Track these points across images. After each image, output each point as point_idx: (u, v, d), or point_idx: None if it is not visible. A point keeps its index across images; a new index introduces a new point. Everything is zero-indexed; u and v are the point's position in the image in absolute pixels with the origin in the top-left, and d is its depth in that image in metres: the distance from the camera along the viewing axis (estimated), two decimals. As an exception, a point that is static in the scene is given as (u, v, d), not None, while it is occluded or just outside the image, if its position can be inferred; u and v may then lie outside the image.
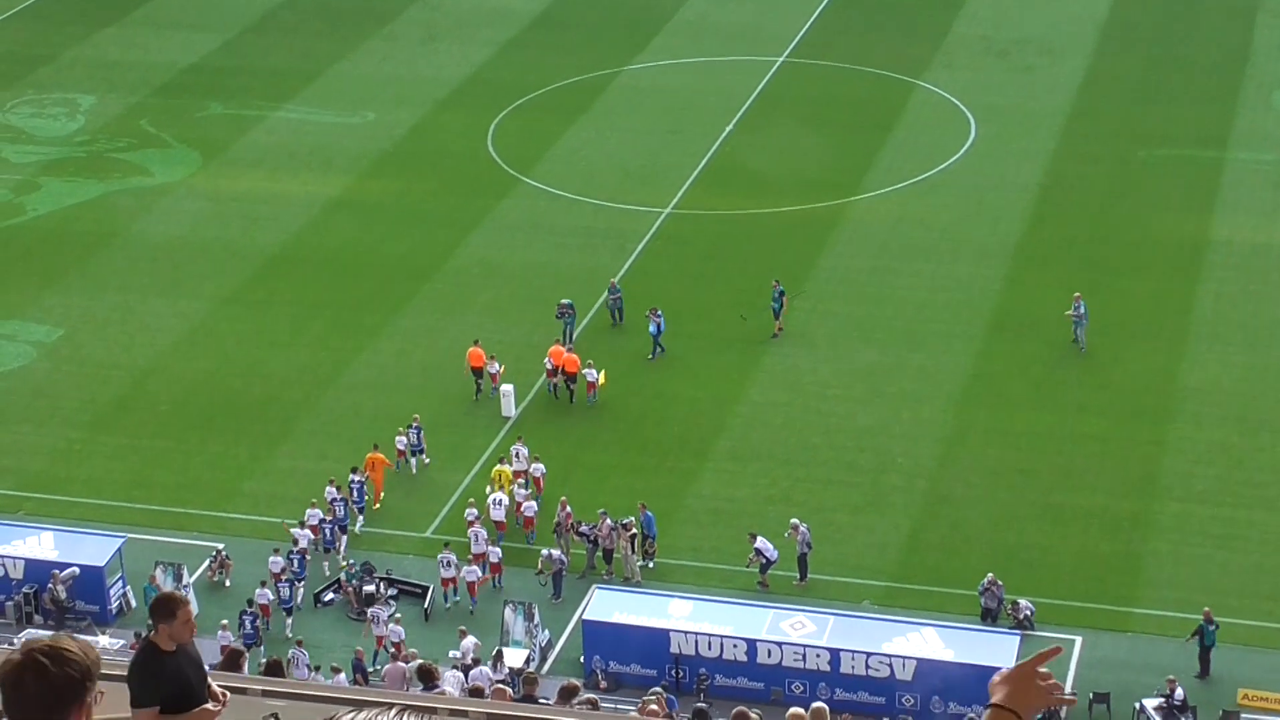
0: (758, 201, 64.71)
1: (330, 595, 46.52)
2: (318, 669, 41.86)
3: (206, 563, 47.09)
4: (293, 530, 47.28)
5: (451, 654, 42.99)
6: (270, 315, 58.75)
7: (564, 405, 53.48)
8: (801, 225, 63.13)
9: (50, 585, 45.73)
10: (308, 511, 47.86)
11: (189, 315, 58.69)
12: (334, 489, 48.24)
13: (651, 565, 47.20)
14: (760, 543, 45.97)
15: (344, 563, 47.07)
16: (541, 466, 49.71)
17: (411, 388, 54.05)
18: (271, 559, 46.23)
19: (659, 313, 55.79)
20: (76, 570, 45.86)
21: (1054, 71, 74.69)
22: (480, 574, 46.23)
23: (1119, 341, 55.72)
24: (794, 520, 46.56)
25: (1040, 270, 59.52)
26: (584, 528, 46.95)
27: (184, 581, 45.63)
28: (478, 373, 53.91)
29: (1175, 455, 50.81)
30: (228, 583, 46.30)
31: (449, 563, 46.05)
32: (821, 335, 56.69)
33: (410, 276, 60.53)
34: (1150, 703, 41.51)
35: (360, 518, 48.96)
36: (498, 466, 49.49)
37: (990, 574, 44.86)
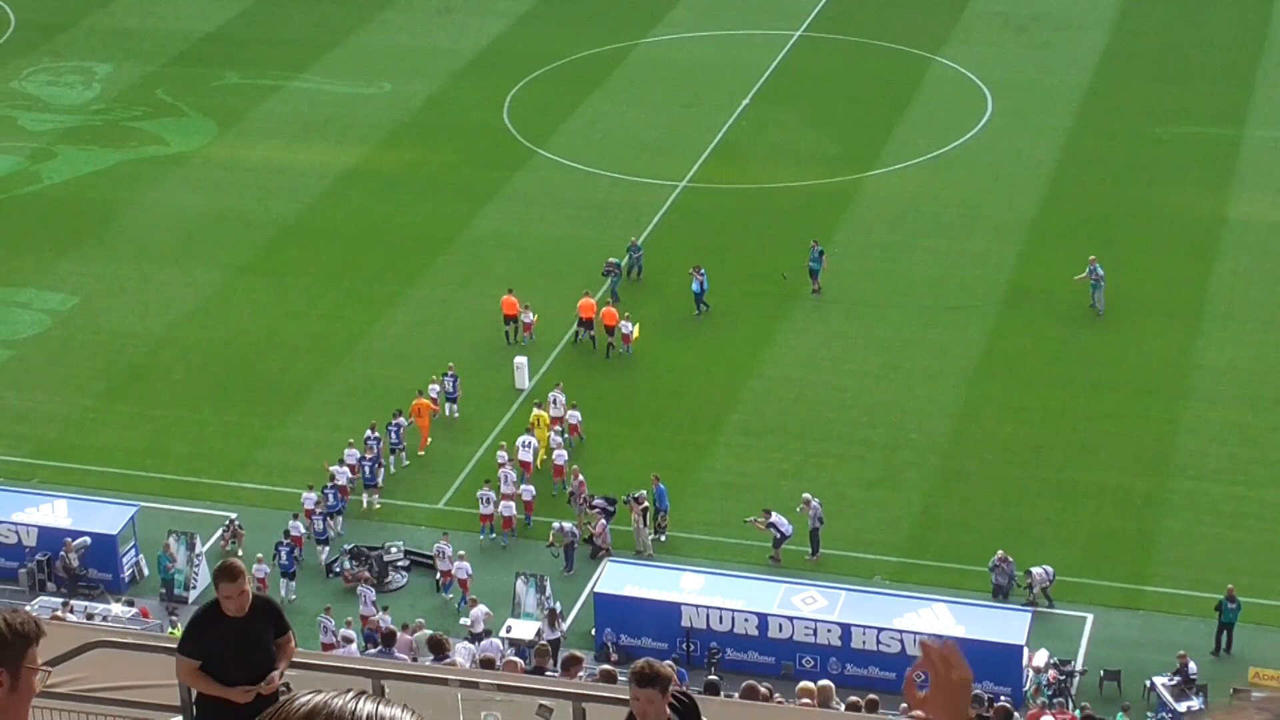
0: (773, 176, 64.60)
1: (338, 569, 46.56)
2: (349, 623, 42.25)
3: (219, 532, 47.17)
4: (332, 468, 47.91)
5: (462, 621, 43.12)
6: (285, 285, 58.78)
7: (578, 375, 53.36)
8: (817, 200, 63.03)
9: (63, 553, 45.80)
10: (345, 451, 48.48)
11: (204, 285, 58.72)
12: (371, 430, 48.94)
13: (663, 538, 47.24)
14: (775, 518, 45.94)
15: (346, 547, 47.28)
16: (578, 414, 50.24)
17: (426, 358, 54.02)
18: (305, 494, 47.11)
19: (702, 271, 56.05)
20: (88, 540, 45.93)
21: (1071, 47, 74.44)
22: (515, 510, 47.02)
23: (1134, 319, 55.60)
24: (806, 495, 46.52)
25: (1056, 247, 59.36)
26: (597, 501, 46.99)
27: (196, 550, 45.82)
28: (511, 320, 54.38)
29: (1189, 433, 50.72)
30: (240, 552, 46.30)
31: (487, 499, 46.87)
32: (836, 310, 56.63)
33: (425, 248, 60.51)
34: (1161, 680, 41.48)
35: (393, 459, 49.61)
36: (535, 411, 50.02)
37: (1000, 550, 44.87)
